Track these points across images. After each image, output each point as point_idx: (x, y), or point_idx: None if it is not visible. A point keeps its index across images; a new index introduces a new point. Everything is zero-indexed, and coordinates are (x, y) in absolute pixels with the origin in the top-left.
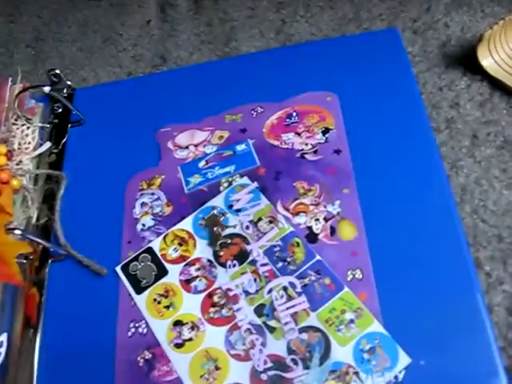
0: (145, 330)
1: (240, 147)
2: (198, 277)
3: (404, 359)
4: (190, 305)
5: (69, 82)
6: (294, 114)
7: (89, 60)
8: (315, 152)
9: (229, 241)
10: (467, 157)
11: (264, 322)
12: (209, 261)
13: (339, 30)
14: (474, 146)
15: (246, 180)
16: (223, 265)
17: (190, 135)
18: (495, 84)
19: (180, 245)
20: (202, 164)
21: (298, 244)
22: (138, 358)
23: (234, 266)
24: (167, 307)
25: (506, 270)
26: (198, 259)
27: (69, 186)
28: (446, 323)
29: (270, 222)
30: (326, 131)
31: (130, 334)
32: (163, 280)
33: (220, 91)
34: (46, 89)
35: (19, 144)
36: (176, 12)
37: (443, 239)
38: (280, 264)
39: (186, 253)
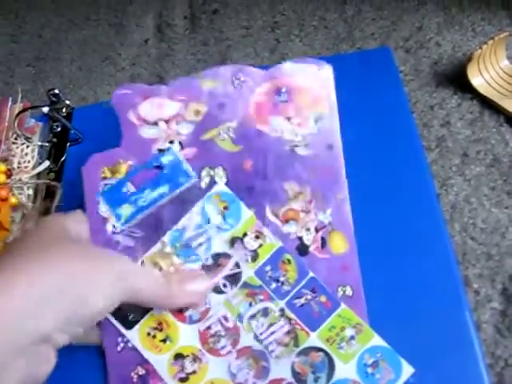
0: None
1: (166, 159)
2: (187, 309)
3: (407, 369)
4: (187, 336)
5: (68, 102)
6: (284, 89)
7: (88, 79)
8: (306, 146)
9: (216, 261)
10: (457, 175)
11: (266, 347)
12: None
13: (333, 49)
14: (463, 165)
15: (222, 187)
16: (214, 289)
17: (158, 105)
18: (485, 102)
19: (161, 269)
20: (126, 189)
21: (289, 261)
22: (132, 374)
23: (225, 286)
24: (163, 341)
25: (493, 288)
26: None
27: (67, 201)
28: (434, 340)
29: (257, 237)
30: (318, 118)
31: (119, 348)
32: (152, 312)
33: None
34: (45, 109)
35: (19, 163)
36: (173, 31)
37: (433, 256)
38: (273, 285)
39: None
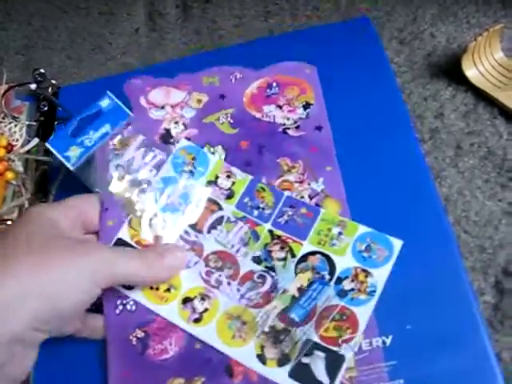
0: (133, 308)
1: (104, 103)
2: (183, 251)
3: (397, 243)
4: (189, 279)
5: (53, 81)
6: (275, 84)
7: (78, 68)
8: (297, 128)
9: (198, 207)
10: (451, 167)
11: (266, 267)
12: (187, 233)
13: None
14: (457, 157)
15: (184, 142)
16: (203, 232)
17: (165, 93)
18: (480, 94)
19: (150, 226)
20: (70, 132)
21: (263, 189)
22: (130, 337)
23: (215, 228)
24: (168, 290)
25: (486, 281)
26: (174, 234)
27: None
28: (430, 291)
29: (228, 176)
30: (306, 106)
31: (117, 311)
32: None
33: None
34: (33, 86)
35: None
36: (164, 20)
37: (421, 205)
38: (256, 212)
39: (159, 232)
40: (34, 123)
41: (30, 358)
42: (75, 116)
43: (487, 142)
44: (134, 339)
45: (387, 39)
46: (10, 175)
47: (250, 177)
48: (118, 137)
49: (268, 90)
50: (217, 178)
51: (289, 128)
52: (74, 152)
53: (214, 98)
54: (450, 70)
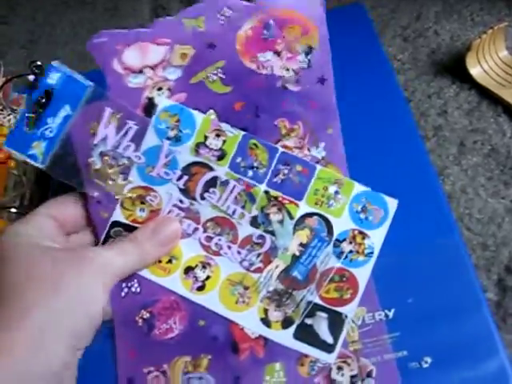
0: (138, 289)
1: (53, 78)
2: (181, 221)
3: (392, 202)
4: (189, 249)
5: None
6: (272, 22)
7: (82, 63)
8: (297, 81)
9: (189, 172)
10: (454, 165)
11: (265, 230)
12: (181, 201)
13: None
14: (460, 154)
15: (165, 101)
16: (196, 198)
17: (142, 51)
18: (483, 92)
19: (143, 203)
20: (25, 126)
21: (256, 145)
22: (136, 318)
23: (208, 192)
24: (169, 262)
25: (489, 278)
26: (169, 206)
27: None
28: (432, 265)
29: (217, 135)
30: (308, 51)
31: (123, 294)
32: None
33: None
34: (31, 77)
35: None
36: (169, 15)
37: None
38: (250, 173)
39: (154, 207)
40: (33, 115)
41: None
42: (24, 105)
43: (491, 140)
44: (140, 320)
45: (391, 36)
46: (12, 164)
47: (242, 132)
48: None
49: (265, 32)
50: (206, 138)
51: (288, 82)
52: (38, 148)
53: (202, 48)
54: (454, 68)
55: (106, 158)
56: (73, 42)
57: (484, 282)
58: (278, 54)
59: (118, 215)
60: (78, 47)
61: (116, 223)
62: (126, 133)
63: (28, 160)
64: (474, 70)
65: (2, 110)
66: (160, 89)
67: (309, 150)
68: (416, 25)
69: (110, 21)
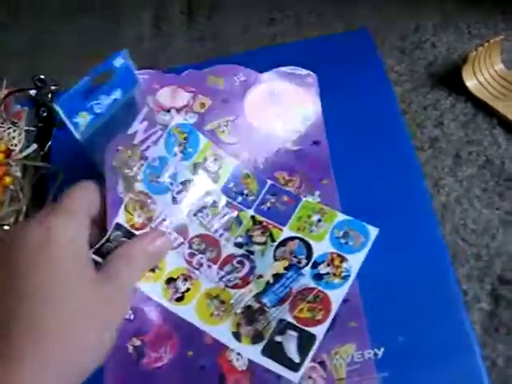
0: (131, 317)
1: (118, 62)
2: (170, 233)
3: (373, 230)
4: (173, 261)
5: (54, 87)
6: (276, 91)
7: (82, 72)
8: (295, 142)
9: (185, 188)
10: (449, 176)
11: (247, 250)
12: (173, 213)
13: None
14: (456, 166)
15: (179, 118)
16: (189, 214)
17: (172, 93)
18: (479, 105)
19: (141, 208)
20: (81, 92)
21: (248, 176)
22: (127, 345)
23: (201, 212)
24: (152, 271)
25: (482, 288)
26: (162, 215)
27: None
28: (424, 303)
29: (215, 159)
30: (305, 118)
31: None
32: None
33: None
34: (33, 92)
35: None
36: (169, 27)
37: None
38: (240, 198)
39: (149, 213)
40: (33, 129)
41: None
42: (87, 75)
43: (486, 152)
44: (131, 347)
45: (388, 48)
46: (8, 180)
47: (237, 162)
48: None
49: (270, 98)
50: (205, 159)
51: (286, 141)
52: (84, 118)
53: (217, 102)
54: (451, 80)
55: (129, 151)
56: (73, 51)
57: (477, 292)
58: (278, 116)
59: (122, 217)
60: (78, 57)
61: (118, 225)
62: (152, 135)
63: (70, 127)
64: (470, 83)
65: (2, 123)
66: None
67: (305, 196)
68: (413, 37)
69: (111, 31)
